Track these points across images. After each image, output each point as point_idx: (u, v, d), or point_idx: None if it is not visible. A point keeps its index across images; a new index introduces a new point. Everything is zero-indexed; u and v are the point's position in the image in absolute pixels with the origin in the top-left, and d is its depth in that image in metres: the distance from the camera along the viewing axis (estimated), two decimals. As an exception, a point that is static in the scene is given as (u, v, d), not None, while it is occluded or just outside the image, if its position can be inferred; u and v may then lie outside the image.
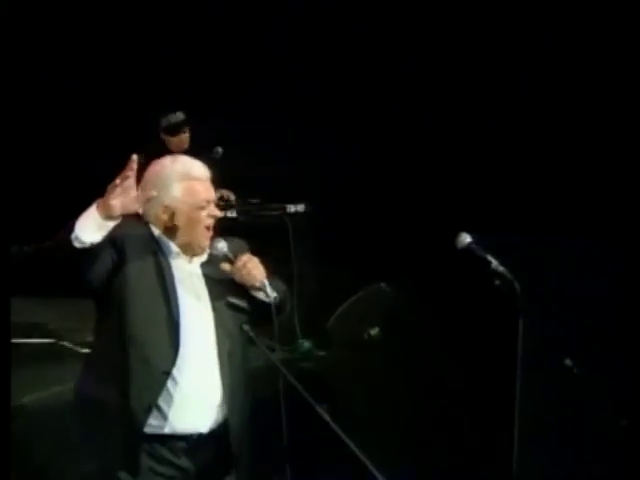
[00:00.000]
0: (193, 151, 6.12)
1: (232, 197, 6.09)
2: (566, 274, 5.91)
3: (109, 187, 3.04)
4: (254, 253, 6.28)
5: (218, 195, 6.21)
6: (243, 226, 6.03)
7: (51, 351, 5.25)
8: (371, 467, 3.06)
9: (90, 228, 3.01)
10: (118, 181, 3.00)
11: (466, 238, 3.96)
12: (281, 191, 6.47)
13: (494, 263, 3.86)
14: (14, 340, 5.62)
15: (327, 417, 3.18)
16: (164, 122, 6.16)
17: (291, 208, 6.22)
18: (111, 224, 3.07)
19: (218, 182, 6.17)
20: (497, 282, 3.87)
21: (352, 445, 3.08)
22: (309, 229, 6.32)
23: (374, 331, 6.39)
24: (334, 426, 3.14)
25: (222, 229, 5.96)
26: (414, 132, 7.84)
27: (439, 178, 7.61)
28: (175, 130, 6.12)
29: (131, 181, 3.08)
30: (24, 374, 4.64)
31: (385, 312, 6.46)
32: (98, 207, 3.02)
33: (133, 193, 3.09)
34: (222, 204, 6.02)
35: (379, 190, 7.10)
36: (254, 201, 6.20)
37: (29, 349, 5.23)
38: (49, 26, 8.47)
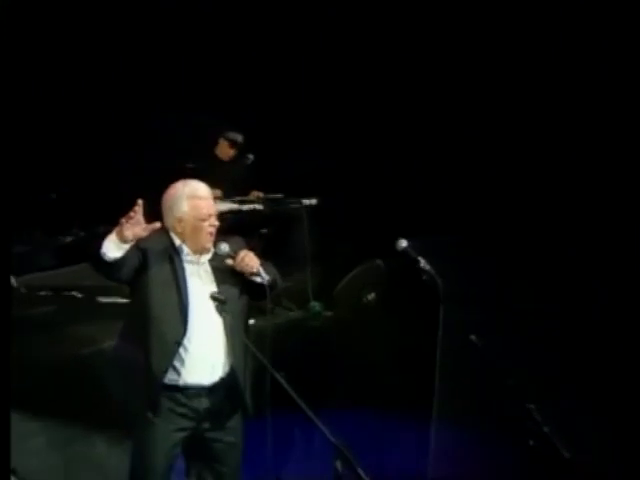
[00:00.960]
0: (233, 158, 7.67)
1: (260, 194, 7.44)
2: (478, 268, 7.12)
3: (122, 220, 3.64)
4: (277, 237, 7.86)
5: (254, 195, 7.62)
6: (269, 215, 7.44)
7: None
8: (319, 424, 3.49)
9: (112, 249, 3.69)
10: (128, 217, 3.62)
11: (402, 242, 4.73)
12: (298, 188, 7.62)
13: (422, 262, 4.69)
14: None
15: (283, 381, 3.72)
16: (231, 136, 7.54)
17: (306, 202, 7.36)
18: (127, 246, 3.71)
19: (249, 181, 7.64)
20: (424, 277, 4.89)
21: (303, 405, 3.55)
22: (319, 218, 7.50)
23: (371, 296, 7.54)
24: (288, 388, 3.67)
25: (252, 219, 7.34)
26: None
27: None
28: (233, 144, 7.53)
29: (138, 217, 3.67)
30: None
31: (379, 282, 7.74)
32: (116, 234, 3.65)
33: (141, 225, 3.69)
34: (254, 199, 7.43)
35: (373, 187, 8.32)
36: (277, 196, 7.41)
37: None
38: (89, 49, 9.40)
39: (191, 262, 4.03)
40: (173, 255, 4.01)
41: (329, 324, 7.33)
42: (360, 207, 8.19)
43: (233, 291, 4.09)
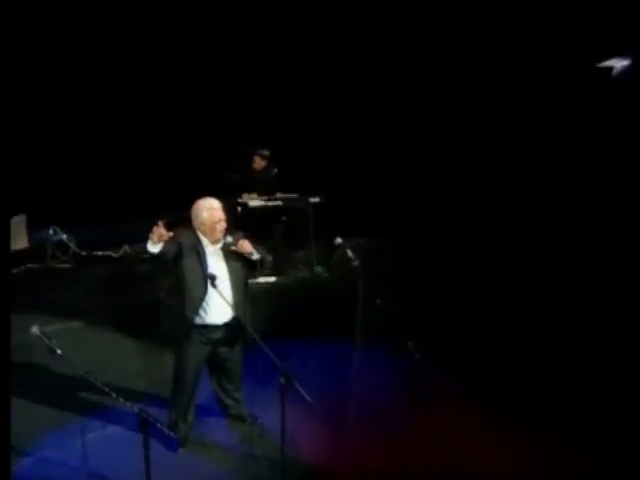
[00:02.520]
0: (264, 169, 8.78)
1: (280, 194, 8.70)
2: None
3: (151, 233, 4.62)
4: (292, 223, 8.83)
5: (278, 195, 8.62)
6: (287, 209, 8.66)
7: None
8: (271, 354, 4.25)
9: (151, 247, 4.72)
10: (154, 230, 4.65)
11: (338, 239, 5.34)
12: (305, 188, 8.74)
13: (349, 253, 5.35)
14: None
15: (256, 336, 4.44)
16: (260, 152, 8.68)
17: (311, 199, 8.65)
18: (160, 245, 4.70)
19: (275, 185, 8.76)
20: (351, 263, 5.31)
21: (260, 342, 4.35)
22: (320, 210, 8.69)
23: (356, 262, 8.90)
24: (254, 334, 4.45)
25: (275, 211, 8.43)
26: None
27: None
28: (263, 157, 8.71)
29: (161, 229, 4.63)
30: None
31: (362, 253, 9.02)
32: (150, 239, 4.71)
33: (163, 233, 4.66)
34: (277, 197, 8.62)
35: (358, 188, 9.40)
36: (292, 195, 8.69)
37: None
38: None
39: (209, 248, 5.04)
40: (198, 245, 5.02)
41: (327, 281, 8.64)
42: (349, 204, 9.26)
43: (236, 265, 5.10)
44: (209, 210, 5.02)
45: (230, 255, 5.08)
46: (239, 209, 8.55)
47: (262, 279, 8.48)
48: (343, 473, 4.70)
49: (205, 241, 5.05)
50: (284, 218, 8.71)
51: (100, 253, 8.74)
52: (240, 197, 8.53)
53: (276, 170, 8.73)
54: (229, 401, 5.38)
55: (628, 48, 8.94)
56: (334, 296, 7.92)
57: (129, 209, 8.94)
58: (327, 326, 6.81)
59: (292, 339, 6.47)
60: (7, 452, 4.08)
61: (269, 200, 8.54)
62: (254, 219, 8.47)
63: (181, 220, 5.28)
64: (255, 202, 8.50)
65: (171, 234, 4.72)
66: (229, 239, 5.03)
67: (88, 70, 9.47)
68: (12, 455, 4.84)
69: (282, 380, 4.18)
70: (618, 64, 9.15)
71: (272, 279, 8.59)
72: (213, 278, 4.72)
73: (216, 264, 5.02)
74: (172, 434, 4.94)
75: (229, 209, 8.22)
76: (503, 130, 9.81)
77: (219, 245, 5.06)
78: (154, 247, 4.75)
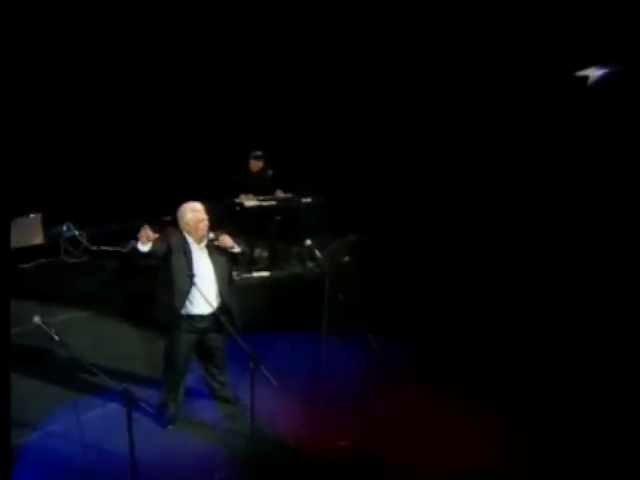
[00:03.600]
0: (260, 171, 9.20)
1: (281, 193, 9.17)
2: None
3: (139, 234, 5.15)
4: (286, 222, 9.25)
5: (277, 194, 9.07)
6: (281, 208, 9.08)
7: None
8: (242, 341, 4.88)
9: (140, 246, 5.25)
10: (142, 232, 5.17)
11: (307, 241, 6.15)
12: (299, 189, 9.25)
13: (316, 252, 6.04)
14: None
15: (229, 327, 5.22)
16: (254, 154, 9.13)
17: (304, 200, 9.22)
18: (149, 244, 5.23)
19: (270, 186, 9.22)
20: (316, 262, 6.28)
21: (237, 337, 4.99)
22: (312, 211, 9.23)
23: (346, 259, 9.52)
24: (230, 327, 5.18)
25: (270, 210, 8.89)
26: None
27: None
28: (257, 158, 9.14)
29: (148, 231, 5.18)
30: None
31: (351, 250, 9.57)
32: (139, 239, 5.24)
33: (150, 235, 5.20)
34: (272, 197, 9.08)
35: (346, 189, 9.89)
36: (287, 195, 9.20)
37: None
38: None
39: (194, 247, 5.58)
40: (185, 244, 5.56)
41: (317, 276, 8.43)
42: (338, 203, 9.65)
43: (220, 259, 5.62)
44: (192, 211, 5.56)
45: (214, 251, 5.62)
46: (238, 209, 9.09)
47: (257, 273, 9.06)
48: (311, 449, 5.26)
49: (191, 240, 5.57)
50: (278, 217, 9.14)
51: (109, 248, 9.28)
52: (237, 197, 9.05)
53: (271, 172, 9.22)
54: (215, 384, 5.93)
55: (604, 59, 9.27)
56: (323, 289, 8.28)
57: (135, 207, 9.40)
58: (315, 317, 6.84)
59: (282, 328, 7.15)
60: (7, 452, 4.46)
61: (264, 200, 9.05)
62: (250, 218, 9.02)
63: (167, 222, 5.76)
64: (251, 202, 9.02)
65: (157, 235, 5.27)
66: (211, 235, 5.55)
67: (100, 73, 9.71)
68: (23, 429, 5.50)
69: (251, 364, 4.75)
70: (593, 74, 9.47)
71: (266, 273, 9.12)
72: (192, 276, 5.31)
73: (201, 260, 5.56)
74: (163, 412, 5.65)
75: (228, 209, 9.03)
76: (503, 129, 10.03)
77: (204, 243, 5.58)
78: (144, 246, 5.30)
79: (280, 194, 9.17)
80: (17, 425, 5.40)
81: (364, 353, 5.78)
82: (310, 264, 9.28)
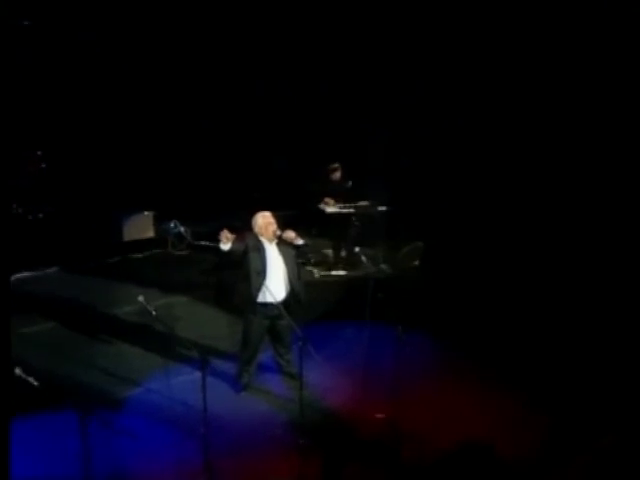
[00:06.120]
0: (339, 181, 10.57)
1: (359, 203, 10.41)
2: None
3: (220, 236, 6.49)
4: (364, 226, 10.54)
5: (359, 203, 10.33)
6: (359, 214, 10.35)
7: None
8: (295, 326, 6.30)
9: (222, 246, 6.55)
10: (222, 234, 6.50)
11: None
12: (375, 198, 10.45)
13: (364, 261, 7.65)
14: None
15: (282, 309, 6.41)
16: (331, 166, 10.51)
17: (380, 208, 10.39)
18: (229, 244, 6.54)
19: (353, 196, 10.42)
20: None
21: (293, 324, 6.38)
22: (388, 217, 10.42)
23: (416, 262, 10.64)
24: (284, 312, 6.38)
25: (349, 216, 10.14)
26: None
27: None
28: (334, 170, 10.52)
29: (226, 233, 6.50)
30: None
31: (420, 255, 10.67)
32: (220, 240, 6.57)
33: (229, 236, 6.50)
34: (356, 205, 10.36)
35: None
36: (365, 204, 10.41)
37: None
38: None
39: (267, 245, 6.87)
40: (258, 244, 6.86)
41: (390, 276, 10.22)
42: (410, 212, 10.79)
43: (289, 251, 6.87)
44: (262, 217, 6.91)
45: (283, 247, 6.86)
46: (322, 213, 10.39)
47: (335, 272, 10.37)
48: (353, 418, 6.50)
49: (263, 240, 6.85)
50: (357, 223, 10.40)
51: (209, 244, 10.80)
52: (320, 204, 10.34)
53: (350, 183, 10.51)
54: (282, 361, 7.19)
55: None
56: (394, 288, 9.41)
57: (236, 208, 10.89)
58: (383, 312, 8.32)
59: (349, 320, 8.41)
60: (7, 452, 4.54)
61: (343, 207, 10.33)
62: (331, 223, 10.35)
63: (243, 227, 7.14)
64: (331, 208, 10.32)
65: (235, 235, 6.65)
66: (278, 232, 6.86)
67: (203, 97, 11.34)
68: (129, 384, 7.07)
69: (300, 344, 6.00)
70: None
71: (343, 272, 10.40)
72: (264, 272, 6.69)
73: (273, 255, 6.85)
74: (238, 381, 7.06)
75: (311, 215, 10.31)
76: (516, 134, 10.93)
77: (274, 242, 6.85)
78: (225, 245, 6.66)
79: (359, 203, 10.32)
80: (125, 380, 7.07)
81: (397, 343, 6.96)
82: (383, 266, 10.53)
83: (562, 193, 10.66)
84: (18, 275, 9.54)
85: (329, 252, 10.64)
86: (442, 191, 11.13)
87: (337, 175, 10.52)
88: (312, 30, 11.54)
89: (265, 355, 7.29)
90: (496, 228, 10.64)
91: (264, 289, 6.69)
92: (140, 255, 10.69)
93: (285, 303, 6.75)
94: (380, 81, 11.57)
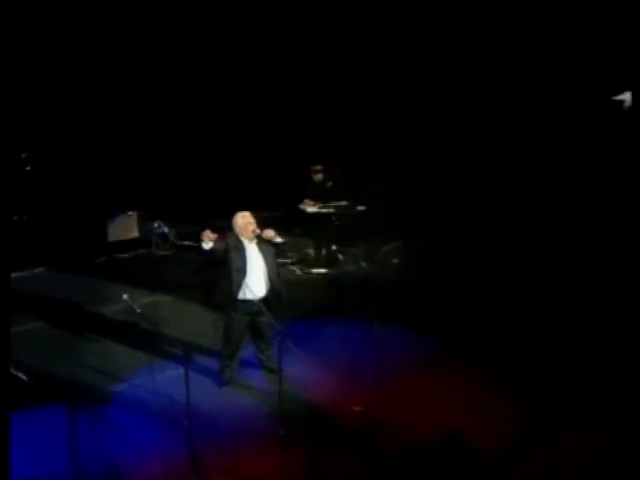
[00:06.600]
0: (321, 182, 10.75)
1: (338, 203, 10.65)
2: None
3: (202, 236, 6.77)
4: (342, 225, 10.83)
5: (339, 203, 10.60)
6: (339, 214, 10.56)
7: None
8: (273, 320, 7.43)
9: (204, 245, 6.81)
10: (203, 234, 6.79)
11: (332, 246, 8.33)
12: (355, 198, 10.68)
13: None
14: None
15: (262, 307, 6.72)
16: (313, 168, 10.74)
17: (359, 207, 10.66)
18: (210, 243, 6.80)
19: (330, 196, 10.68)
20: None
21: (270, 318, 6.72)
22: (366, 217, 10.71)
23: (396, 260, 10.95)
24: (264, 309, 6.69)
25: (329, 215, 10.40)
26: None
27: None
28: (316, 172, 10.78)
29: (208, 233, 6.77)
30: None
31: (400, 253, 10.96)
32: (202, 239, 6.85)
33: (210, 235, 6.77)
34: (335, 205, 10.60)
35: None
36: (343, 203, 10.65)
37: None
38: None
39: (247, 244, 7.08)
40: (239, 243, 7.08)
41: (369, 274, 10.51)
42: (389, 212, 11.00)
43: (269, 250, 7.08)
44: (242, 217, 7.14)
45: (262, 246, 7.10)
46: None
47: (316, 270, 10.63)
48: (331, 411, 6.76)
49: (243, 239, 7.08)
50: (336, 222, 10.64)
51: (192, 243, 10.97)
52: (300, 204, 10.61)
53: (331, 183, 10.77)
54: (262, 357, 7.44)
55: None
56: (374, 286, 9.83)
57: (218, 209, 11.10)
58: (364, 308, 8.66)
59: (331, 316, 8.75)
60: (6, 452, 4.63)
61: (322, 207, 10.58)
62: (312, 223, 10.61)
63: (224, 227, 7.39)
64: (312, 209, 10.59)
65: (217, 235, 6.90)
66: (257, 231, 7.08)
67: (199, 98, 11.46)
68: (116, 380, 7.31)
69: (279, 339, 6.29)
70: (629, 97, 10.39)
71: (324, 270, 10.67)
72: (244, 270, 6.92)
73: (253, 254, 7.08)
74: (220, 375, 7.31)
75: (293, 215, 10.55)
76: (519, 136, 11.14)
77: (254, 241, 7.09)
78: (206, 245, 6.93)
79: (338, 202, 10.56)
80: (111, 377, 7.36)
81: (375, 338, 7.31)
82: (363, 264, 10.80)
83: (559, 194, 10.94)
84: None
85: (310, 251, 10.90)
86: (440, 191, 11.32)
87: (319, 177, 10.78)
88: (312, 30, 11.71)
89: (247, 351, 7.55)
90: (488, 227, 10.90)
91: (244, 286, 6.94)
92: (126, 255, 10.93)
93: (265, 300, 6.97)
94: (380, 81, 11.72)
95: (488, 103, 11.28)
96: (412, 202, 11.16)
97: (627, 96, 10.15)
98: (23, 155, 11.47)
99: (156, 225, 11.11)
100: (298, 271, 10.61)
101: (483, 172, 11.37)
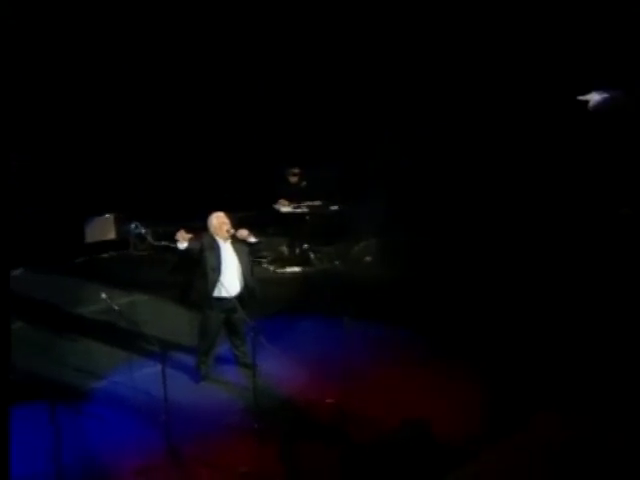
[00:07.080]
0: (296, 183, 11.01)
1: (311, 202, 10.98)
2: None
3: (177, 236, 6.92)
4: (315, 225, 11.13)
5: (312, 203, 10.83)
6: (312, 213, 10.86)
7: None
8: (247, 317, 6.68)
9: (180, 245, 7.00)
10: (178, 234, 6.97)
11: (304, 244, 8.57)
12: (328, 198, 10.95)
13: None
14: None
15: (239, 306, 6.89)
16: (289, 171, 10.98)
17: (332, 207, 10.98)
18: (185, 243, 6.98)
19: (303, 196, 10.90)
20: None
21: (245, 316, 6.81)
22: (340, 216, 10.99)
23: (368, 258, 11.24)
24: (239, 308, 6.82)
25: (302, 215, 10.61)
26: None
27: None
28: (292, 174, 11.03)
29: (183, 233, 6.96)
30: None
31: (372, 251, 11.23)
32: (177, 240, 7.02)
33: (185, 236, 6.96)
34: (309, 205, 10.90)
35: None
36: (317, 203, 10.97)
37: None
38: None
39: (221, 243, 7.28)
40: (213, 242, 7.28)
41: (342, 271, 10.84)
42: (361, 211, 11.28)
43: (243, 249, 7.28)
44: (217, 218, 7.34)
45: (237, 245, 7.30)
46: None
47: (289, 269, 10.89)
48: (304, 404, 7.03)
49: (218, 239, 7.29)
50: (310, 222, 10.92)
51: (169, 244, 11.17)
52: (275, 204, 10.87)
53: (305, 183, 11.05)
54: (238, 353, 7.67)
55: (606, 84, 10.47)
56: (347, 283, 10.15)
57: (194, 209, 11.27)
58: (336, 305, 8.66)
59: (304, 313, 8.97)
60: (6, 452, 4.60)
61: (296, 207, 10.87)
62: (285, 222, 10.88)
63: (199, 227, 7.59)
64: (286, 208, 10.85)
65: (191, 235, 7.11)
66: (232, 231, 7.28)
67: (182, 96, 11.48)
68: (95, 378, 7.53)
69: (252, 334, 6.52)
70: (595, 98, 10.69)
71: (298, 269, 10.94)
72: (219, 269, 7.13)
73: (227, 253, 7.29)
74: (197, 371, 7.56)
75: (268, 215, 10.78)
76: (513, 136, 11.27)
77: (229, 240, 7.29)
78: (182, 245, 7.14)
79: (312, 202, 10.89)
80: (91, 374, 7.59)
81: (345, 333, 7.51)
82: (337, 262, 11.08)
83: (559, 194, 11.09)
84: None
85: (284, 250, 11.15)
86: (438, 190, 11.49)
87: (295, 179, 11.07)
88: (312, 30, 11.74)
89: (222, 348, 7.80)
90: (481, 225, 11.12)
91: (219, 284, 7.16)
92: (105, 255, 11.11)
93: (239, 297, 7.21)
94: (380, 81, 11.82)
95: (488, 103, 11.41)
96: (411, 202, 11.27)
97: (594, 96, 10.38)
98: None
99: (133, 226, 11.32)
100: (272, 269, 10.86)
101: (483, 172, 11.55)
